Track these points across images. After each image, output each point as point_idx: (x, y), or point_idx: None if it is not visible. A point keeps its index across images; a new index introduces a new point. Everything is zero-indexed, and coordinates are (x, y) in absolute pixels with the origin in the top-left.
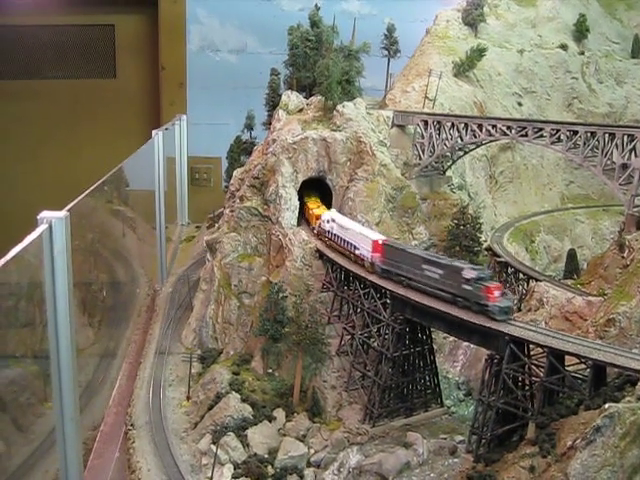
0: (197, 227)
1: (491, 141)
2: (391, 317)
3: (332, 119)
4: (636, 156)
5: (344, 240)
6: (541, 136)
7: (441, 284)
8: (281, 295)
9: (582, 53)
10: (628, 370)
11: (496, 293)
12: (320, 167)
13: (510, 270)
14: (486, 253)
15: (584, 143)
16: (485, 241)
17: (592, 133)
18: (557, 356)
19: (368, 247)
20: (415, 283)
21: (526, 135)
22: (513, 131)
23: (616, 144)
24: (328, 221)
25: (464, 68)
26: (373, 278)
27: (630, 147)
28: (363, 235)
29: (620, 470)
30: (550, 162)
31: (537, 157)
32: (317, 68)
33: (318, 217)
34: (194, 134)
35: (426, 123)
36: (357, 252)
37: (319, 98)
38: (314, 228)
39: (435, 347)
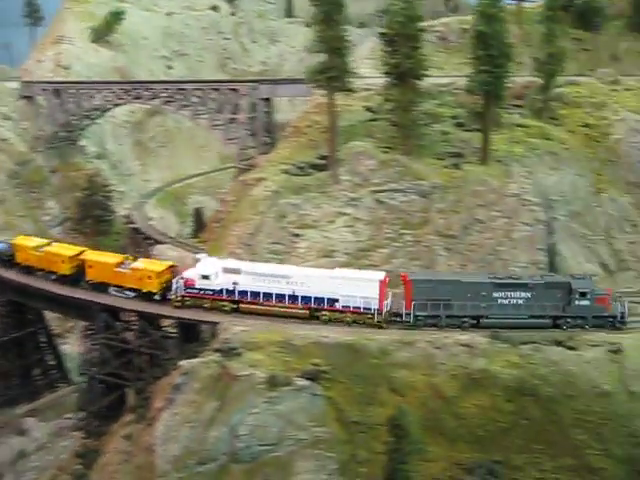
0: None
1: (115, 106)
2: None
3: None
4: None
5: (273, 294)
6: (156, 97)
7: (531, 310)
8: None
9: (234, 14)
10: (197, 322)
11: (609, 299)
12: None
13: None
14: (125, 221)
15: (199, 101)
16: (125, 209)
17: (200, 89)
18: (148, 319)
19: (372, 292)
20: (488, 320)
21: (140, 97)
22: (131, 95)
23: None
24: (214, 275)
25: (103, 33)
26: None
27: (236, 102)
28: (349, 279)
29: (199, 424)
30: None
31: None
32: None
33: (161, 274)
34: None
35: (53, 92)
36: (336, 304)
37: None
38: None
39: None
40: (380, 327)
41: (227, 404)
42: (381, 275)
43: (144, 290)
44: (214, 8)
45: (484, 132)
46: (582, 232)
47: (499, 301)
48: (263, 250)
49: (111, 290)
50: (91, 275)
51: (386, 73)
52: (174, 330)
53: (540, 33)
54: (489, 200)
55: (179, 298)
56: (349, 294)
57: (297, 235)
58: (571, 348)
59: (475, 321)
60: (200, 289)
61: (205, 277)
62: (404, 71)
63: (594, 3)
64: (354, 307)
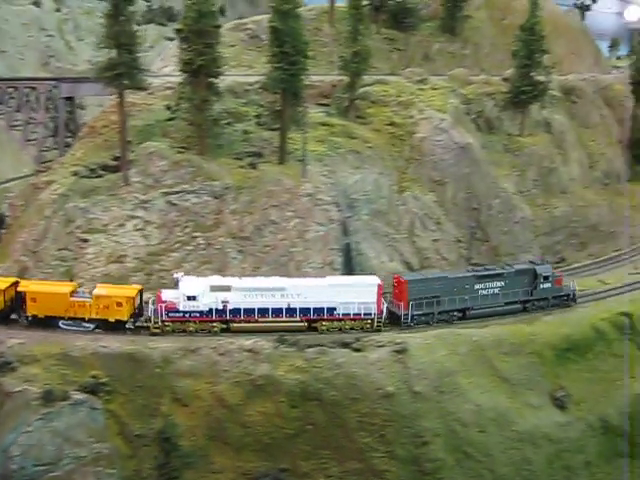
0: None
1: None
2: None
3: None
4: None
5: (270, 309)
6: None
7: (506, 297)
8: None
9: (59, 10)
10: None
11: (563, 280)
12: None
13: None
14: None
15: None
16: None
17: None
18: None
19: (370, 296)
20: (472, 312)
21: None
22: None
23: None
24: (194, 298)
25: None
26: None
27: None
28: (348, 285)
29: None
30: None
31: None
32: None
33: (133, 299)
34: None
35: None
36: (334, 313)
37: None
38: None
39: None
40: (379, 331)
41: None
42: (378, 279)
43: (111, 319)
44: (36, 3)
45: (282, 131)
46: (385, 231)
47: (480, 292)
48: (49, 257)
49: (61, 324)
50: (34, 309)
51: (180, 70)
52: None
53: (345, 32)
54: (283, 200)
55: (159, 324)
56: (347, 301)
57: (85, 240)
58: (357, 350)
59: (462, 314)
60: (185, 312)
61: (191, 298)
62: (197, 69)
63: (407, 4)
64: (354, 314)
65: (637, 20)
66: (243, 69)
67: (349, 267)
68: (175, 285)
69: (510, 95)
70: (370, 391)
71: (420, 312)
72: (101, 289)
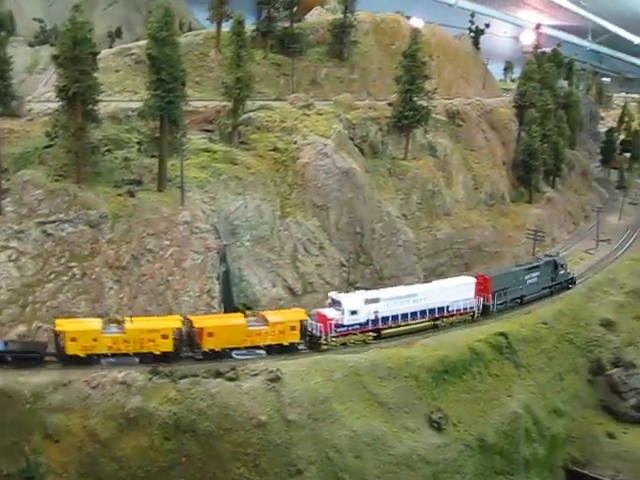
0: None
1: None
2: None
3: None
4: None
5: (401, 315)
6: None
7: (541, 284)
8: None
9: None
10: None
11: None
12: None
13: None
14: None
15: None
16: None
17: None
18: None
19: (469, 293)
20: (525, 298)
21: None
22: None
23: None
24: (355, 312)
25: None
26: None
27: None
28: (454, 286)
29: None
30: None
31: None
32: None
33: (300, 322)
34: None
35: None
36: (449, 311)
37: None
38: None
39: None
40: (475, 321)
41: None
42: (473, 279)
43: (285, 343)
44: None
45: (161, 158)
46: (268, 257)
47: (528, 282)
48: None
49: (235, 354)
50: (211, 344)
51: (57, 97)
52: None
53: (228, 58)
54: (160, 229)
55: (331, 340)
56: (456, 299)
57: None
58: (231, 379)
59: (520, 301)
60: (349, 325)
61: (353, 312)
62: (72, 96)
63: (294, 30)
64: (462, 309)
65: (530, 44)
66: (128, 94)
67: (228, 295)
68: (331, 304)
69: (394, 120)
70: (244, 421)
71: (499, 302)
72: (275, 316)
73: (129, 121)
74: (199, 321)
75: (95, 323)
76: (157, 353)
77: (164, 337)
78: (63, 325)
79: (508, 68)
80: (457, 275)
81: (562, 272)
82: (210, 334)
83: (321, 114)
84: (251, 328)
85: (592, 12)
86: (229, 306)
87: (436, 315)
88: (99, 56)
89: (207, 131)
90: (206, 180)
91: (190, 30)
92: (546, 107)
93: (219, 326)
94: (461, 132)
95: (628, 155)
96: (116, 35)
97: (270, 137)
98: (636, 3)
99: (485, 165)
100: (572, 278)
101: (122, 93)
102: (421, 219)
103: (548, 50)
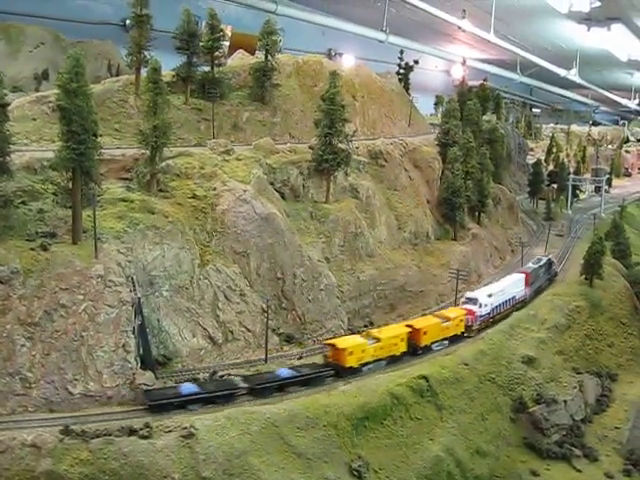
0: None
1: None
2: None
3: None
4: None
5: (499, 305)
6: None
7: (545, 277)
8: None
9: None
10: None
11: None
12: None
13: None
14: None
15: None
16: None
17: None
18: None
19: (522, 285)
20: (540, 289)
21: None
22: None
23: None
24: (484, 305)
25: None
26: None
27: None
28: (514, 281)
29: None
30: None
31: None
32: None
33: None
34: None
35: None
36: (515, 300)
37: None
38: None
39: None
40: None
41: None
42: (523, 274)
43: (458, 333)
44: None
45: (74, 210)
46: (187, 306)
47: (541, 275)
48: None
49: (434, 346)
50: (425, 340)
51: None
52: None
53: (145, 105)
54: (73, 283)
55: (476, 327)
56: (517, 290)
57: None
58: (144, 437)
59: (539, 290)
60: (483, 315)
61: (485, 305)
62: None
63: (215, 74)
64: (520, 298)
65: (459, 78)
66: (45, 143)
67: (146, 347)
68: (466, 301)
69: (314, 163)
70: None
71: (530, 291)
72: (450, 312)
73: (44, 171)
74: (415, 324)
75: (360, 338)
76: (397, 354)
77: (402, 340)
78: (340, 343)
79: (439, 102)
80: (382, 316)
81: (553, 267)
82: (425, 332)
83: (241, 159)
84: (444, 324)
85: (519, 47)
86: (148, 358)
87: (511, 303)
88: (14, 104)
89: (125, 179)
90: (123, 230)
91: (118, 72)
92: (468, 145)
93: (429, 325)
94: (384, 172)
95: (555, 186)
96: (43, 77)
97: (189, 184)
98: (558, 38)
99: (409, 204)
100: (556, 271)
101: (39, 142)
102: (344, 262)
103: (476, 84)
